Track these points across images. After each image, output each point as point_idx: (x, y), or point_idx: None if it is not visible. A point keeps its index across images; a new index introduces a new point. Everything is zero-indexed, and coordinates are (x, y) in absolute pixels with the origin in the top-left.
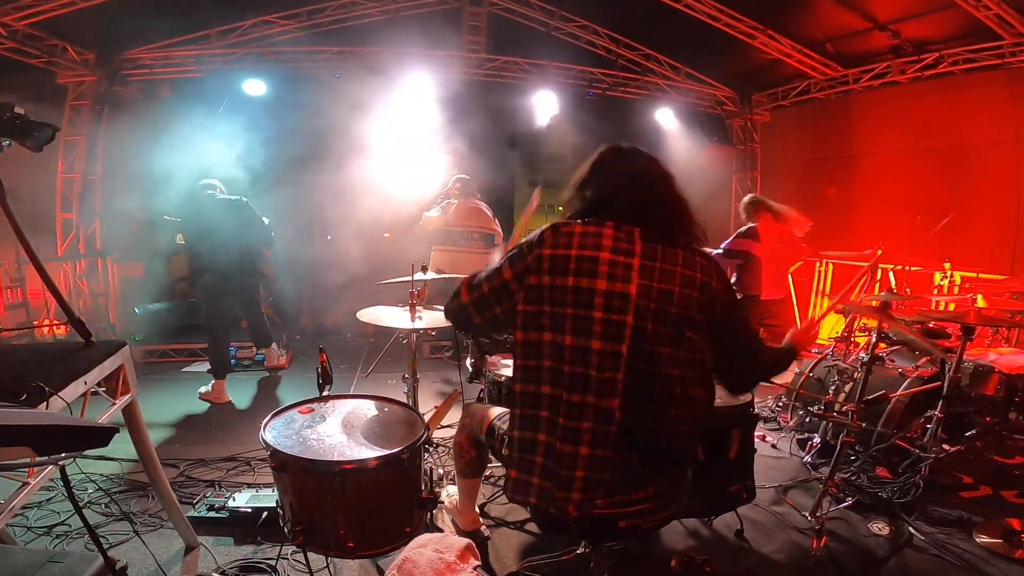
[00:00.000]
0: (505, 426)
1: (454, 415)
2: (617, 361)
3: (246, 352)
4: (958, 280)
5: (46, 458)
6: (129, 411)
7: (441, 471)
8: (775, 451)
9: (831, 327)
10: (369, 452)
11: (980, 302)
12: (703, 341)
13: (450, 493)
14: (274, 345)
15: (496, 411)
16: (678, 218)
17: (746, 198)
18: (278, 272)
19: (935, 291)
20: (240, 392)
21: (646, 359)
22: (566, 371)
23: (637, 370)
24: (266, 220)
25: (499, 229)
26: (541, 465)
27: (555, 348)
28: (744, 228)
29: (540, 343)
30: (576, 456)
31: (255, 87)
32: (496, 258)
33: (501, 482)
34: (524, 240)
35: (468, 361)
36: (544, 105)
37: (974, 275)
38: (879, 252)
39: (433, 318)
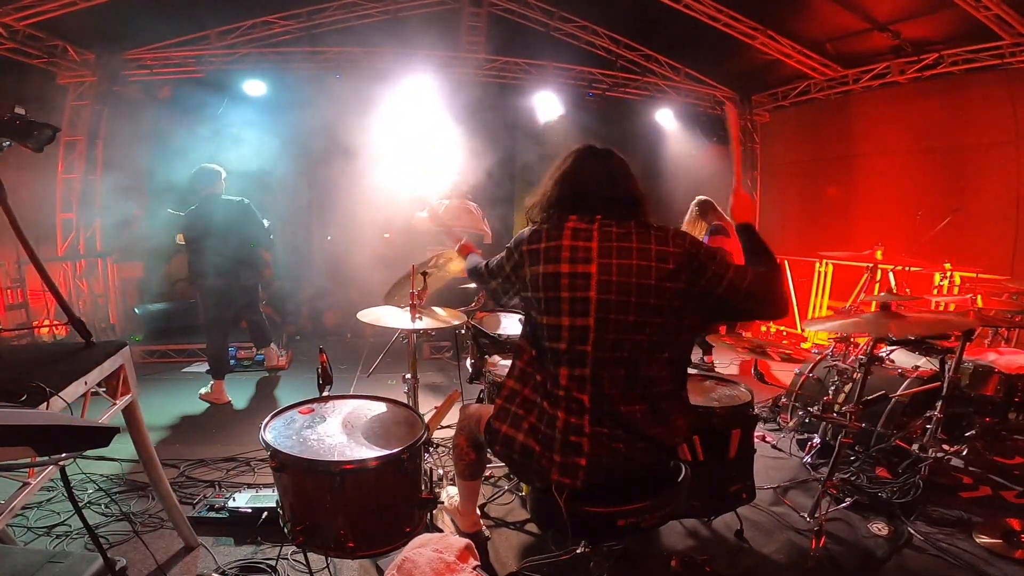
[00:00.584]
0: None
1: (454, 415)
2: (585, 334)
3: (246, 352)
4: (958, 280)
5: (46, 458)
6: (129, 411)
7: (441, 471)
8: (775, 451)
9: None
10: (369, 452)
11: (980, 302)
12: (674, 307)
13: (450, 494)
14: (273, 345)
15: (492, 409)
16: (637, 207)
17: (699, 199)
18: (277, 273)
19: (935, 291)
20: (240, 392)
21: (612, 329)
22: (547, 347)
23: (604, 340)
24: (266, 222)
25: (488, 230)
26: (531, 425)
27: (537, 327)
28: (713, 226)
29: (529, 324)
30: (555, 419)
31: (255, 87)
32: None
33: (501, 482)
34: (513, 239)
35: (468, 361)
36: (544, 105)
37: (974, 275)
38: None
39: (433, 318)
